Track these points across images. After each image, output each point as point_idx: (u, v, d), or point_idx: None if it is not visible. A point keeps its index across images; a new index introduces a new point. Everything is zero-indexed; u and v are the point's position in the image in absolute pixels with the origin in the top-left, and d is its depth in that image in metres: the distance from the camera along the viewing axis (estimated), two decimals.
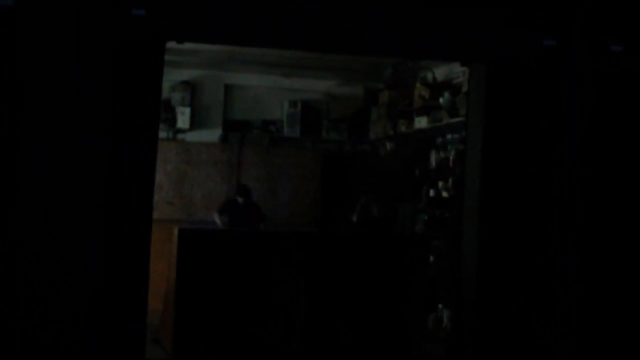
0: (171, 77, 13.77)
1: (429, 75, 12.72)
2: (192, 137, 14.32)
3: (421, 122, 12.56)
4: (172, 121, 14.18)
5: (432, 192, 12.25)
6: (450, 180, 11.74)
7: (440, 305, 10.67)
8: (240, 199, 12.93)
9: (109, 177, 7.15)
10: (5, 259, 6.91)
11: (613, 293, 8.01)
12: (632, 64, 7.96)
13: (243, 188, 13.20)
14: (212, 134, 14.46)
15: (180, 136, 14.34)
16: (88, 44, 7.09)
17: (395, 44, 7.90)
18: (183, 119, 14.30)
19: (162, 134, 13.39)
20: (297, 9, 7.47)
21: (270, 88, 14.67)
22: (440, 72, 12.50)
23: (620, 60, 7.93)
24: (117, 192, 7.18)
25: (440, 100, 12.00)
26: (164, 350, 9.71)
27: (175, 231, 9.82)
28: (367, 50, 8.73)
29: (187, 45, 8.19)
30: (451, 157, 11.87)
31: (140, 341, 7.35)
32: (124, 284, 7.18)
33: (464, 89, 10.78)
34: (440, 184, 12.08)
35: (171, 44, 7.66)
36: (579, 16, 7.91)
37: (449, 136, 12.13)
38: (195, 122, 14.39)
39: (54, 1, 7.05)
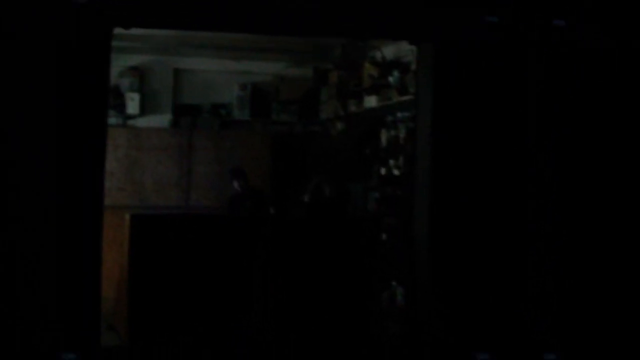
0: (119, 63, 13.67)
1: (378, 55, 12.71)
2: (143, 122, 14.25)
3: (371, 102, 12.56)
4: (121, 107, 14.10)
5: (383, 171, 12.26)
6: (401, 159, 11.76)
7: (393, 283, 10.69)
8: (237, 185, 12.73)
9: (58, 165, 7.08)
10: None
11: (568, 265, 8.05)
12: (576, 39, 7.98)
13: (238, 172, 12.96)
14: (162, 119, 14.40)
15: (130, 122, 14.26)
16: (31, 33, 7.02)
17: (343, 24, 7.87)
18: (132, 104, 14.23)
19: (112, 121, 13.27)
20: None
21: (220, 72, 14.63)
22: (388, 51, 12.50)
23: (563, 35, 7.95)
24: (68, 180, 7.12)
25: (390, 79, 12.00)
26: (119, 336, 9.67)
27: (127, 217, 9.78)
28: (316, 32, 8.72)
29: (135, 31, 8.11)
30: (402, 136, 11.88)
31: (95, 328, 7.30)
32: (77, 271, 7.13)
33: (413, 67, 10.77)
34: (392, 162, 12.08)
35: (118, 30, 7.58)
36: None
37: (399, 114, 12.13)
38: (145, 108, 14.33)
39: None
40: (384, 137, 12.53)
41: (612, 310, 8.10)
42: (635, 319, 8.15)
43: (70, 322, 7.10)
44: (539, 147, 7.96)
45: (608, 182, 8.14)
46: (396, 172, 11.91)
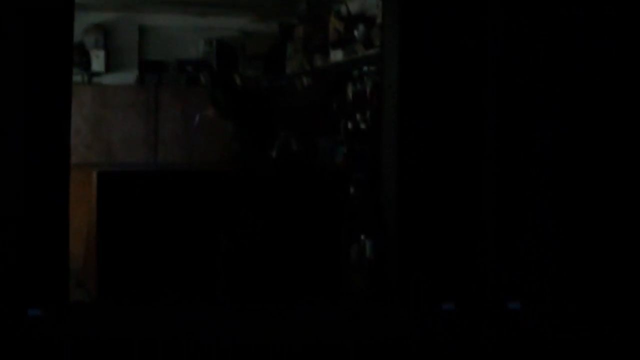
0: (83, 20, 13.58)
1: (343, 9, 12.70)
2: (108, 80, 14.24)
3: (337, 56, 12.55)
4: (86, 65, 14.06)
5: (350, 125, 12.29)
6: (367, 113, 11.77)
7: (362, 237, 10.73)
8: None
9: (23, 124, 7.05)
10: None
11: (535, 221, 8.11)
12: None
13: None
14: (128, 77, 14.40)
15: (95, 79, 14.23)
16: None
17: None
18: (98, 62, 14.20)
19: (77, 78, 13.25)
20: None
21: (185, 28, 14.62)
22: (354, 5, 12.49)
23: None
24: (33, 139, 7.10)
25: (355, 33, 11.98)
26: (88, 293, 9.67)
27: (94, 174, 9.74)
28: None
29: None
30: (368, 90, 11.88)
31: (62, 284, 7.31)
32: (44, 229, 7.13)
33: (378, 20, 10.75)
34: (358, 116, 12.10)
35: None
36: None
37: (365, 68, 12.14)
38: (111, 65, 14.30)
39: None
40: (350, 91, 12.53)
41: (575, 260, 8.17)
42: (600, 267, 8.22)
43: (37, 278, 7.10)
44: (506, 97, 7.98)
45: (569, 133, 8.19)
46: (363, 126, 11.93)
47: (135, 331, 7.45)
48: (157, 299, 9.09)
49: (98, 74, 14.18)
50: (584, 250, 8.17)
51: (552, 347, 7.91)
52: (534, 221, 8.05)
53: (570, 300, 8.10)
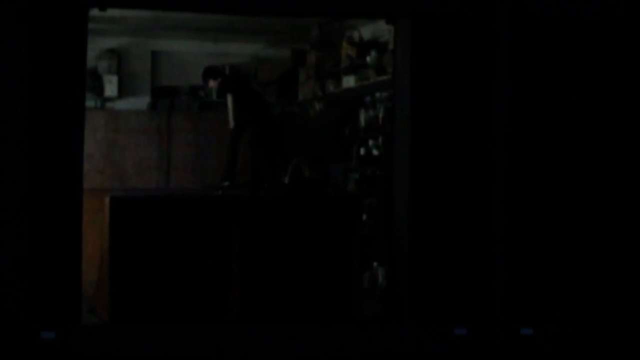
0: (97, 46, 13.63)
1: (355, 35, 12.73)
2: (121, 105, 14.26)
3: (349, 82, 12.57)
4: (99, 90, 14.10)
5: (362, 151, 12.29)
6: (380, 139, 11.80)
7: (375, 264, 10.74)
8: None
9: (37, 148, 7.11)
10: None
11: (547, 246, 8.12)
12: None
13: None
14: (140, 102, 14.41)
15: (108, 105, 14.26)
16: (5, 14, 7.00)
17: (319, 2, 7.90)
18: (111, 87, 14.22)
19: (90, 103, 13.26)
20: None
21: (198, 53, 14.63)
22: (366, 31, 12.53)
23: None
24: (46, 164, 7.14)
25: (367, 59, 12.02)
26: (100, 319, 9.68)
27: (107, 200, 9.76)
28: (292, 11, 8.75)
29: (111, 12, 8.11)
30: (380, 115, 11.91)
31: (75, 307, 7.36)
32: (57, 253, 7.17)
33: (390, 46, 10.78)
34: (371, 142, 12.12)
35: (94, 12, 7.57)
36: None
37: (377, 94, 12.17)
38: (123, 90, 14.33)
39: None
40: (362, 117, 12.55)
41: (588, 287, 8.17)
42: (611, 294, 8.22)
43: (51, 302, 7.15)
44: (519, 124, 8.01)
45: (576, 151, 8.21)
46: (375, 152, 11.95)
47: (148, 353, 7.47)
48: (170, 321, 9.10)
49: (111, 99, 14.22)
50: (596, 274, 8.18)
51: None
52: (545, 246, 8.06)
53: (584, 325, 8.10)
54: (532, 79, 8.07)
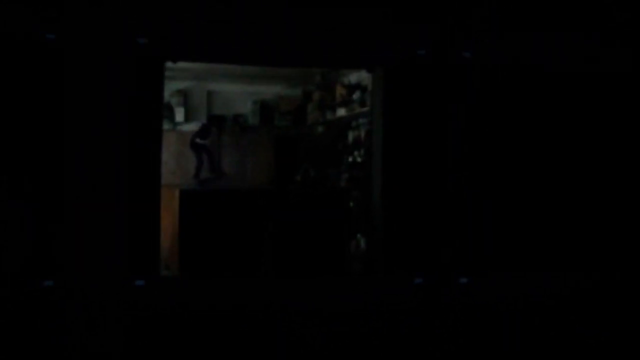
0: (170, 87, 13.65)
1: (346, 80, 12.72)
2: (186, 127, 14.22)
3: (341, 112, 12.59)
4: (172, 117, 14.06)
5: (350, 159, 12.29)
6: (362, 151, 11.78)
7: (358, 235, 10.72)
8: (200, 141, 12.88)
9: (131, 158, 7.14)
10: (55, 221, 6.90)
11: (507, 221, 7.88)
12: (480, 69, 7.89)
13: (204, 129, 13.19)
14: (199, 126, 14.34)
15: (178, 127, 14.23)
16: (107, 66, 7.04)
17: (320, 58, 7.87)
18: (179, 115, 14.19)
19: (166, 127, 13.25)
20: (256, 37, 7.42)
21: (239, 92, 14.55)
22: (353, 77, 12.51)
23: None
24: (138, 168, 7.18)
25: (354, 96, 12.03)
26: (172, 273, 9.69)
27: (177, 192, 9.77)
28: (303, 64, 8.74)
29: (180, 64, 8.11)
30: (362, 135, 11.89)
31: (156, 262, 7.40)
32: (145, 226, 7.20)
33: (370, 87, 10.76)
34: (356, 153, 12.12)
35: (169, 64, 7.59)
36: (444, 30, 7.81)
37: (360, 120, 12.15)
38: (188, 117, 14.29)
39: (89, 39, 6.97)
40: (350, 136, 12.56)
41: (513, 248, 7.92)
42: (545, 246, 7.96)
43: (141, 260, 7.16)
44: (473, 139, 7.89)
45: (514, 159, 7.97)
46: (359, 160, 11.95)
47: (205, 298, 7.43)
48: (220, 276, 9.07)
49: (180, 123, 14.18)
50: (519, 236, 7.99)
51: (496, 316, 7.79)
52: (481, 218, 7.93)
53: (511, 276, 7.88)
54: (482, 113, 7.84)
